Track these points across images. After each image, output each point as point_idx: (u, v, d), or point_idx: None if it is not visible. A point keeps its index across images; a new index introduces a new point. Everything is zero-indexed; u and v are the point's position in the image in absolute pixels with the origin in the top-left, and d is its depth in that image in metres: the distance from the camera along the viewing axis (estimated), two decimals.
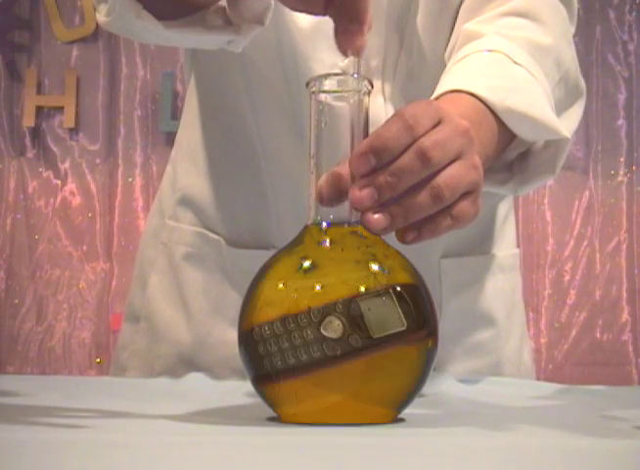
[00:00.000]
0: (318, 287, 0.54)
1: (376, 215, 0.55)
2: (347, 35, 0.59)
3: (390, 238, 0.57)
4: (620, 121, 2.56)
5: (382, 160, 0.54)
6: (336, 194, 0.56)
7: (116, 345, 1.01)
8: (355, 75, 0.59)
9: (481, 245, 0.95)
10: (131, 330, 0.98)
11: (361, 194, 0.54)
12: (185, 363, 0.91)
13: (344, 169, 0.56)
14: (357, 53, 0.60)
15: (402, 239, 0.57)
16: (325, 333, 0.53)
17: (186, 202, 0.96)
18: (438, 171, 0.56)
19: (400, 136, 0.55)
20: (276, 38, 0.85)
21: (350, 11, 0.58)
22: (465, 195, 0.57)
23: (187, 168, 0.97)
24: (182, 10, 0.74)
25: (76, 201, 2.53)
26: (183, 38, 0.77)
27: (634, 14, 2.57)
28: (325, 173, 0.56)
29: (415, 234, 0.56)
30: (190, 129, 0.97)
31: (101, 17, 0.77)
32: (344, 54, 0.60)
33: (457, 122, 0.58)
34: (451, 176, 0.56)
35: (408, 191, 0.55)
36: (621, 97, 2.56)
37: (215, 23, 0.75)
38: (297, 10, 0.64)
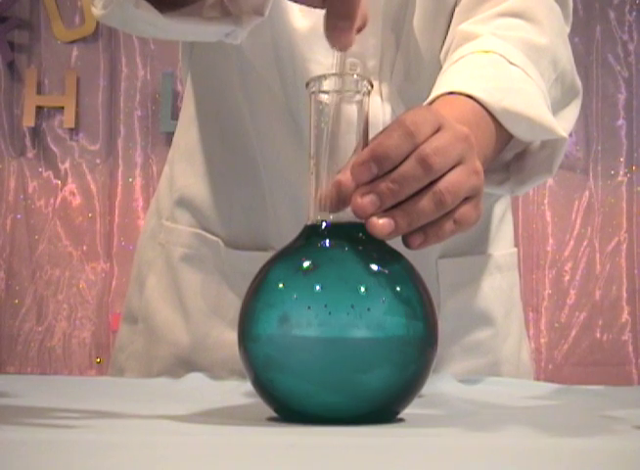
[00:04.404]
0: (318, 287, 0.54)
1: (381, 221, 0.55)
2: (336, 32, 0.59)
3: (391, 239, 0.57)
4: (620, 121, 2.55)
5: (383, 168, 0.55)
6: (338, 201, 0.56)
7: (114, 346, 1.00)
8: (355, 75, 0.59)
9: (479, 245, 0.95)
10: (129, 331, 0.98)
11: (363, 201, 0.55)
12: (183, 365, 0.91)
13: (346, 176, 0.56)
14: (344, 49, 0.60)
15: (409, 244, 0.57)
16: (325, 332, 0.53)
17: (183, 203, 0.95)
18: (440, 177, 0.56)
19: (401, 144, 0.55)
20: (272, 40, 0.85)
21: (341, 8, 0.59)
22: (466, 199, 0.58)
23: (184, 169, 0.96)
24: (178, 3, 0.74)
25: (76, 201, 2.53)
26: (181, 29, 0.77)
27: (634, 14, 2.57)
28: (326, 182, 0.57)
29: (422, 239, 0.57)
30: (187, 130, 0.97)
31: (97, 10, 0.77)
32: (332, 48, 0.60)
33: (457, 128, 0.58)
34: (453, 182, 0.56)
35: (411, 197, 0.56)
36: (621, 97, 2.56)
37: (212, 16, 0.75)
38: (297, 2, 0.65)
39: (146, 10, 0.72)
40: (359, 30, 0.61)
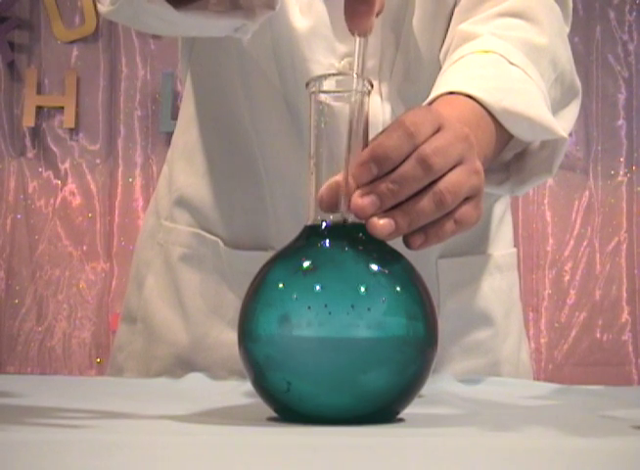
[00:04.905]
0: (318, 287, 0.54)
1: (381, 221, 0.55)
2: (356, 16, 0.59)
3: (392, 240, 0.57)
4: (620, 121, 2.55)
5: (383, 168, 0.55)
6: (337, 202, 0.56)
7: (113, 346, 1.00)
8: (355, 76, 0.59)
9: (478, 245, 0.95)
10: (128, 331, 0.97)
11: (363, 202, 0.55)
12: (182, 365, 0.91)
13: (345, 177, 0.56)
14: (364, 34, 0.60)
15: (410, 245, 0.57)
16: (325, 332, 0.53)
17: (182, 202, 0.95)
18: (440, 177, 0.56)
19: (402, 144, 0.55)
20: (272, 39, 0.85)
21: None
22: (467, 199, 0.58)
23: (183, 169, 0.96)
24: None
25: (76, 201, 2.53)
26: (192, 24, 0.76)
27: (634, 14, 2.57)
28: (326, 182, 0.57)
29: (422, 239, 0.57)
30: (186, 130, 0.97)
31: (104, 7, 0.76)
32: (352, 34, 0.60)
33: (457, 128, 0.58)
34: (453, 182, 0.56)
35: (411, 197, 0.56)
36: (621, 97, 2.56)
37: (222, 10, 0.74)
38: None
39: (159, 4, 0.71)
40: (377, 15, 0.60)
